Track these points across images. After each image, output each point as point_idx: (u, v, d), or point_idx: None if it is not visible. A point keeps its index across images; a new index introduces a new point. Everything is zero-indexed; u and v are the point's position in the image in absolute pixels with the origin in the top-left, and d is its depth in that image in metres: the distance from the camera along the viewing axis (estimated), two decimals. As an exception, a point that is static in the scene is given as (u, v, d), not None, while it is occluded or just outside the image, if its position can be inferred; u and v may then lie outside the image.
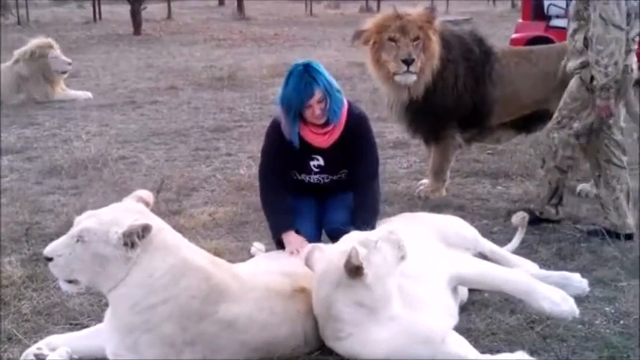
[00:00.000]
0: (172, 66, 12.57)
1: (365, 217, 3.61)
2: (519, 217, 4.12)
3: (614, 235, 4.24)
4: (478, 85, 5.07)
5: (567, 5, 9.05)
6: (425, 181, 5.41)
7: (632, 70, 4.23)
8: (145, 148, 7.05)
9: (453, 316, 3.11)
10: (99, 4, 22.38)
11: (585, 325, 3.24)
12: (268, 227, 3.93)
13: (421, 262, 3.21)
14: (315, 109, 3.59)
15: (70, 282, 2.90)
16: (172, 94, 9.87)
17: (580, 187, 5.21)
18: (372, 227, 3.47)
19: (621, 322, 3.30)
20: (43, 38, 9.94)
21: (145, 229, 2.79)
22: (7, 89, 9.39)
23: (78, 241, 2.82)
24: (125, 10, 19.56)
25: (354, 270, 2.80)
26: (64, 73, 9.86)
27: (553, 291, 3.17)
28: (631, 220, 4.33)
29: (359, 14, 22.34)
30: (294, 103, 3.59)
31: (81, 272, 2.85)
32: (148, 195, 3.09)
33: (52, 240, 4.09)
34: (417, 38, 4.84)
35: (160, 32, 18.44)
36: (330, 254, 2.98)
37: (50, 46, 9.76)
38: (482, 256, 3.73)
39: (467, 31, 5.50)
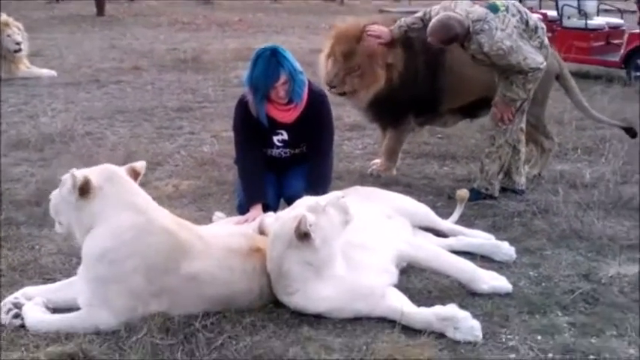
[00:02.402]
0: (136, 47, 12.67)
1: (319, 184, 3.96)
2: (462, 193, 4.52)
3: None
4: (434, 75, 5.34)
5: None
6: (377, 160, 5.77)
7: None
8: (109, 125, 7.25)
9: (392, 278, 3.45)
10: (61, -16, 22.23)
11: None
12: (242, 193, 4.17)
13: (369, 232, 3.54)
14: (279, 91, 3.94)
15: (59, 223, 3.29)
16: (136, 75, 10.02)
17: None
18: (324, 193, 3.81)
19: (542, 284, 3.70)
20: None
21: (85, 182, 3.09)
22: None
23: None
24: (88, -10, 19.53)
25: (302, 235, 3.14)
26: (16, 52, 9.74)
27: (490, 276, 3.59)
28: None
29: (323, 2, 22.61)
30: (262, 85, 3.92)
31: (61, 214, 3.25)
32: (141, 165, 3.43)
33: (23, 206, 4.38)
34: (356, 67, 5.06)
35: (124, 14, 18.43)
36: (283, 218, 3.30)
37: (6, 24, 9.72)
38: (437, 232, 4.14)
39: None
